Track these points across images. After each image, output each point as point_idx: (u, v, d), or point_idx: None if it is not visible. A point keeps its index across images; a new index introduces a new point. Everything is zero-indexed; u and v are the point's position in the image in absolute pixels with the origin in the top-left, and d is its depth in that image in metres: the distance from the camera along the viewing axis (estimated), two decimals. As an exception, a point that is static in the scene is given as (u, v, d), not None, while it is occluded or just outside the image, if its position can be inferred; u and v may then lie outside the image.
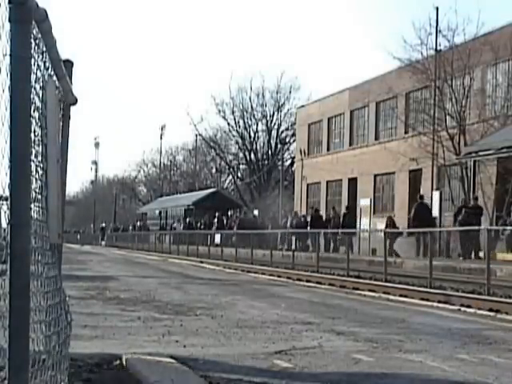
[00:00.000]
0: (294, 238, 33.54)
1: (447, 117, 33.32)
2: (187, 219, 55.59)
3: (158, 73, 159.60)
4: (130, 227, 74.42)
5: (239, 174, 77.68)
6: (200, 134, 76.44)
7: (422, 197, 31.50)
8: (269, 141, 73.33)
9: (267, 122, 73.14)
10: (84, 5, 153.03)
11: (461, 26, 38.58)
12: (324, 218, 39.01)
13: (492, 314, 11.50)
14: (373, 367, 5.75)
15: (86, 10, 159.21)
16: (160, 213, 67.99)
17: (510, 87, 31.67)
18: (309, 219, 38.40)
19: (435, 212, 31.10)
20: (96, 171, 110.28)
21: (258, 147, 74.05)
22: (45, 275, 3.30)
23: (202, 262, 31.07)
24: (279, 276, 21.40)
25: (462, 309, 12.13)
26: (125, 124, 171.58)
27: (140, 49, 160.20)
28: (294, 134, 64.21)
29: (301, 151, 50.59)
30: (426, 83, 34.20)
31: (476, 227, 23.02)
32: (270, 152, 73.22)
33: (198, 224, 52.12)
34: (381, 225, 33.68)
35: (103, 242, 74.87)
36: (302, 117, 52.83)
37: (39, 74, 3.21)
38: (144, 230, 63.40)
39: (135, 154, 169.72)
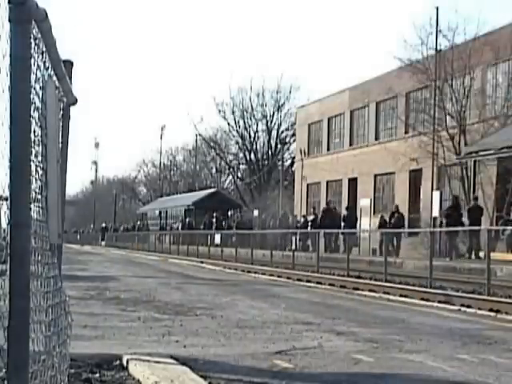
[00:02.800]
0: (294, 238, 33.53)
1: (447, 117, 33.33)
2: (187, 219, 55.59)
3: (158, 73, 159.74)
4: (122, 228, 74.53)
5: (239, 174, 77.67)
6: (200, 134, 76.52)
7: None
8: (269, 141, 73.31)
9: (267, 121, 73.13)
10: (84, 5, 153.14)
11: (461, 26, 38.73)
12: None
13: (492, 314, 11.49)
14: (373, 367, 5.75)
15: (86, 9, 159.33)
16: (160, 213, 68.01)
17: (510, 87, 31.67)
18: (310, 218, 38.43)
19: (435, 212, 31.12)
20: (96, 171, 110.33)
21: (258, 147, 74.04)
22: (45, 275, 3.30)
23: (202, 262, 31.07)
24: (279, 276, 21.39)
25: (463, 309, 12.13)
26: (125, 124, 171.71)
27: (140, 49, 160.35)
28: (294, 134, 64.19)
29: (301, 151, 50.60)
30: (426, 83, 34.19)
31: (476, 227, 23.05)
32: (270, 152, 73.19)
33: (201, 224, 52.02)
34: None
35: (103, 242, 74.87)
36: (302, 117, 52.83)
37: (39, 74, 3.20)
38: (144, 231, 63.45)
39: (135, 154, 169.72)
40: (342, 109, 45.77)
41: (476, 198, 27.66)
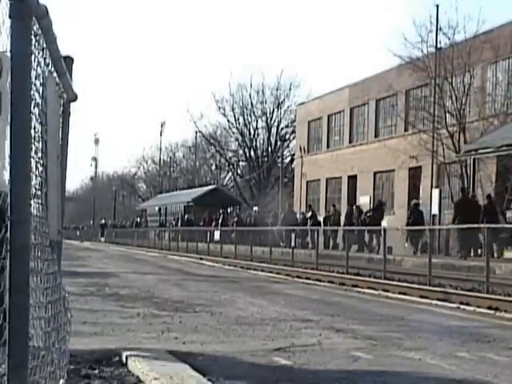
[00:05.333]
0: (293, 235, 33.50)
1: (447, 114, 33.31)
2: (186, 216, 55.54)
3: (158, 69, 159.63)
4: (119, 224, 74.23)
5: (239, 171, 77.65)
6: (200, 131, 76.48)
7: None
8: (268, 138, 73.29)
9: (267, 119, 73.11)
10: (84, 1, 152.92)
11: (461, 24, 38.58)
12: (323, 216, 39.01)
13: (491, 312, 11.50)
14: (372, 365, 5.76)
15: (86, 6, 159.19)
16: (159, 209, 67.99)
17: (510, 85, 31.65)
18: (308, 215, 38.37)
19: (434, 210, 31.12)
20: (96, 167, 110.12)
21: (258, 144, 74.02)
22: (44, 271, 3.30)
23: (201, 259, 31.07)
24: (278, 273, 21.39)
25: (461, 307, 12.14)
26: (125, 120, 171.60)
27: (140, 45, 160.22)
28: (293, 131, 64.19)
29: (300, 148, 50.58)
30: (426, 81, 34.17)
31: (475, 225, 23.02)
32: (269, 149, 73.18)
33: (200, 221, 51.91)
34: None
35: (103, 239, 74.85)
36: (301, 114, 52.80)
37: (39, 70, 3.20)
38: (144, 227, 63.42)
39: (135, 150, 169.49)
40: (342, 106, 45.75)
41: (475, 196, 27.66)
